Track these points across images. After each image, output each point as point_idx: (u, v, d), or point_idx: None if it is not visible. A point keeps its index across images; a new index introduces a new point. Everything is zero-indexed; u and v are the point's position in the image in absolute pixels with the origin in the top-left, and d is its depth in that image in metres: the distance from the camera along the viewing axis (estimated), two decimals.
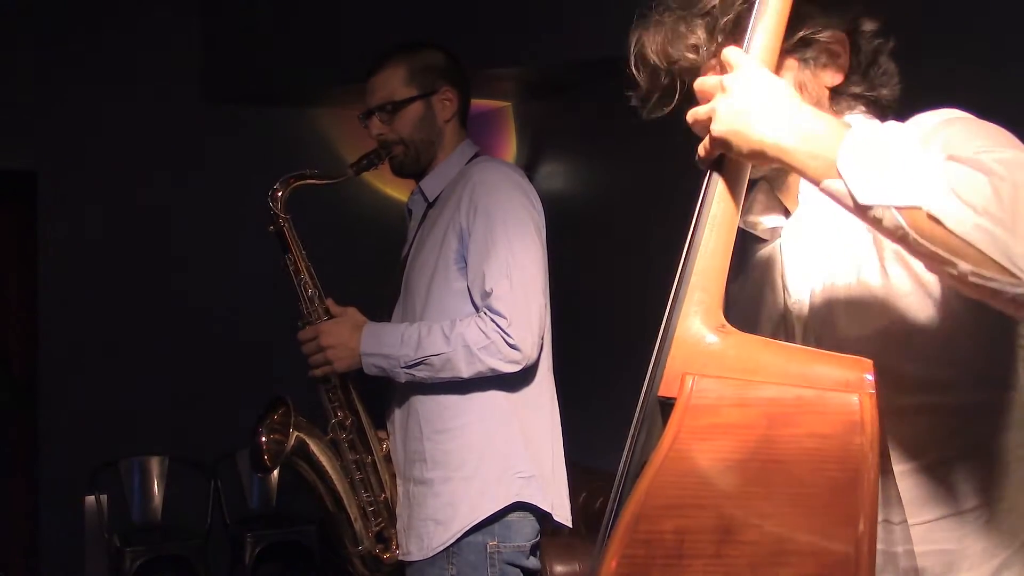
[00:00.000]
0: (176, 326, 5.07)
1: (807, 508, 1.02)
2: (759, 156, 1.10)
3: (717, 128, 1.11)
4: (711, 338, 1.11)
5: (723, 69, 1.20)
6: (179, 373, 5.05)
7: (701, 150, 1.16)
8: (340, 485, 2.37)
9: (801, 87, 1.27)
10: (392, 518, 2.41)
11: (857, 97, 1.30)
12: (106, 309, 4.96)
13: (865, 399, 1.03)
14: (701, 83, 1.16)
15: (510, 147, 5.40)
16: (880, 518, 1.18)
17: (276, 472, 4.96)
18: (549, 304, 2.34)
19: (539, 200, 2.39)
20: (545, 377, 2.38)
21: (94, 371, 4.90)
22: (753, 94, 1.10)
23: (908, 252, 1.04)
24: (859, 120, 1.30)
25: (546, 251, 2.35)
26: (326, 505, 2.39)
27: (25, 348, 5.02)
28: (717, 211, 1.16)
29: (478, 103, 5.05)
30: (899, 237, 1.01)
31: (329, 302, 2.41)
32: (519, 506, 2.29)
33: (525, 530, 2.31)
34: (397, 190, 5.15)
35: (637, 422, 1.15)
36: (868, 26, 1.29)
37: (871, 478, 1.01)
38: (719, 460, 1.04)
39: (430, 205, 2.46)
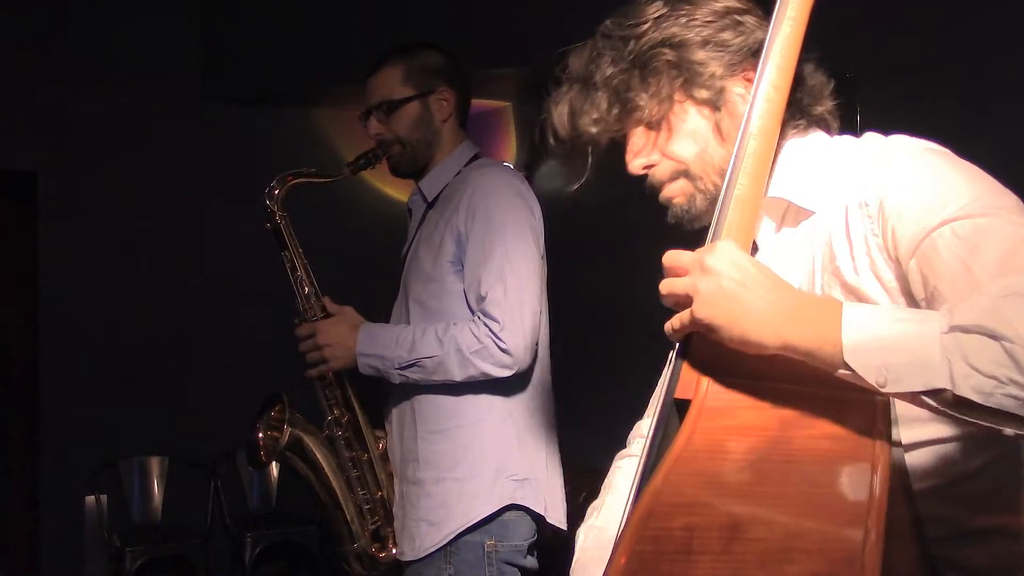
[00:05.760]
0: (176, 326, 5.07)
1: (817, 507, 1.03)
2: (752, 346, 1.06)
3: (703, 312, 1.07)
4: None
5: (636, 136, 1.27)
6: (179, 373, 5.05)
7: (675, 323, 1.12)
8: (336, 482, 2.38)
9: (725, 136, 1.27)
10: (388, 516, 2.42)
11: (785, 124, 1.27)
12: (106, 309, 4.95)
13: (879, 401, 1.03)
14: (673, 257, 1.13)
15: (510, 147, 5.39)
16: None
17: (276, 472, 4.97)
18: (546, 310, 2.35)
19: (539, 207, 2.39)
20: (541, 380, 2.38)
21: (94, 371, 4.89)
22: (738, 279, 1.07)
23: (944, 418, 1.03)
24: (794, 151, 1.27)
25: (544, 258, 2.36)
26: (322, 502, 2.40)
27: (25, 348, 5.02)
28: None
29: (478, 103, 5.04)
30: (933, 410, 1.01)
31: (326, 300, 2.42)
32: (514, 507, 2.29)
33: (522, 529, 2.31)
34: (397, 190, 5.14)
35: (655, 424, 1.15)
36: None
37: (882, 479, 1.02)
38: (732, 460, 1.05)
39: (429, 205, 2.46)
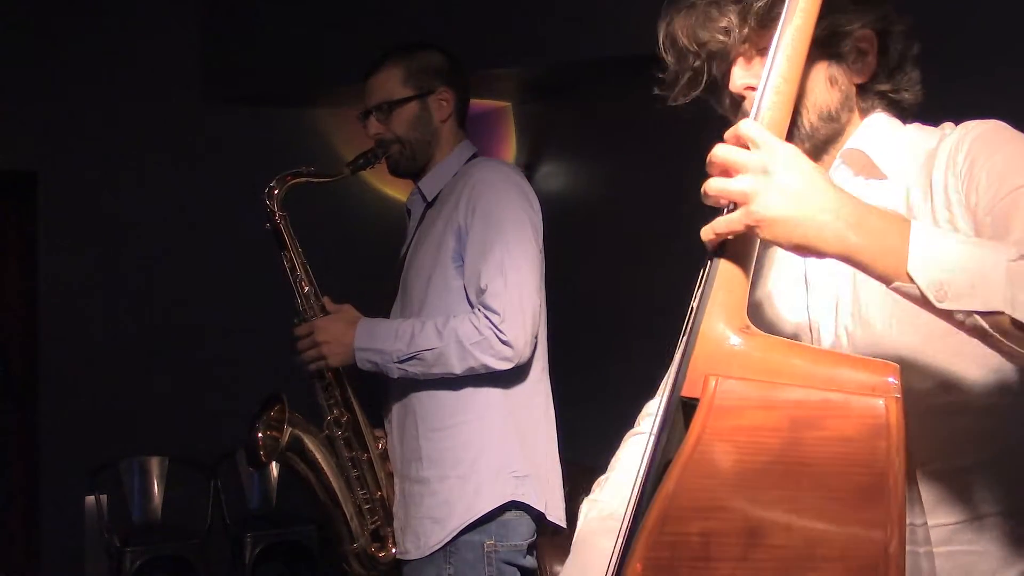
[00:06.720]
0: (176, 325, 5.07)
1: (834, 512, 1.01)
2: (810, 248, 1.04)
3: (761, 211, 1.03)
4: (735, 339, 1.10)
5: (748, 59, 1.24)
6: (179, 373, 5.05)
7: (720, 225, 1.07)
8: (335, 482, 2.38)
9: (832, 82, 1.27)
10: (388, 516, 2.42)
11: (881, 95, 1.30)
12: (106, 309, 4.96)
13: (891, 403, 1.01)
14: (726, 153, 1.07)
15: (510, 147, 5.40)
16: None
17: (276, 472, 4.96)
18: (545, 304, 2.35)
19: (537, 201, 2.39)
20: (540, 376, 2.39)
21: (94, 371, 4.90)
22: (801, 180, 1.04)
23: (990, 348, 1.03)
24: (880, 120, 1.30)
25: (543, 252, 2.36)
26: (321, 502, 2.40)
27: (25, 348, 5.03)
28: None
29: (478, 103, 5.05)
30: (981, 336, 1.01)
31: (325, 299, 2.42)
32: (514, 505, 2.29)
33: (521, 529, 2.32)
34: (396, 190, 5.15)
35: (660, 422, 1.13)
36: (898, 27, 1.28)
37: (898, 482, 1.00)
38: (743, 462, 1.03)
39: (428, 205, 2.47)
